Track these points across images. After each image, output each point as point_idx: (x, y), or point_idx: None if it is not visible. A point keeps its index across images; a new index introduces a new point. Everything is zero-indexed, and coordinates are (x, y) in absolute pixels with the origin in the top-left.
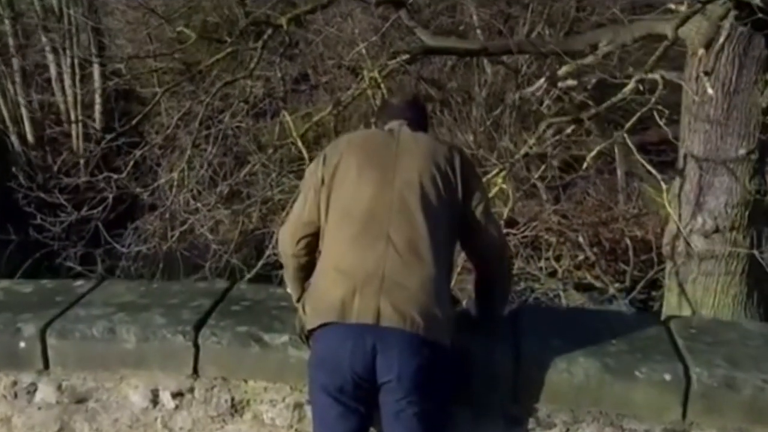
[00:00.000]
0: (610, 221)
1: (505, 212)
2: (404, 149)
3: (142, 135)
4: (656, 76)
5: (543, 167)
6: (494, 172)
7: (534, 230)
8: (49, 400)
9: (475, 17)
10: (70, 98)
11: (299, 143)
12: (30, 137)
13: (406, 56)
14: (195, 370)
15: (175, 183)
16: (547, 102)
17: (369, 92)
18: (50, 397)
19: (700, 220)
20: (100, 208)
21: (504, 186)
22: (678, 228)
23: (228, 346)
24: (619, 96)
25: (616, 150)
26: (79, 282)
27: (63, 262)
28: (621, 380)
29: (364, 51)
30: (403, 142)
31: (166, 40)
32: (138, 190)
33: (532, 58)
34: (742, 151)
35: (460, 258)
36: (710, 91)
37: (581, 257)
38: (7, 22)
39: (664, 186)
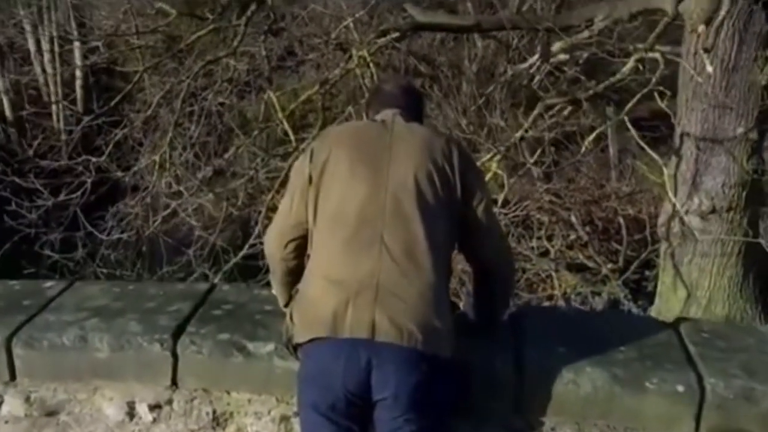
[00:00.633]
0: (602, 199)
1: (500, 198)
2: (398, 143)
3: (124, 114)
4: (656, 54)
5: (539, 151)
6: (488, 156)
7: (525, 209)
8: (17, 413)
9: None
10: (50, 75)
11: (285, 125)
12: (8, 115)
13: (395, 34)
14: (174, 381)
15: (157, 165)
16: (538, 77)
17: (357, 71)
18: (18, 410)
19: (696, 200)
20: (78, 193)
21: (499, 171)
22: (674, 208)
23: (209, 356)
24: (618, 76)
25: (608, 125)
26: (50, 283)
27: (40, 250)
28: (630, 392)
29: (351, 26)
30: (397, 134)
31: (149, 16)
32: (119, 174)
33: (524, 31)
34: (740, 130)
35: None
36: (709, 68)
37: (573, 237)
38: None
39: (662, 164)
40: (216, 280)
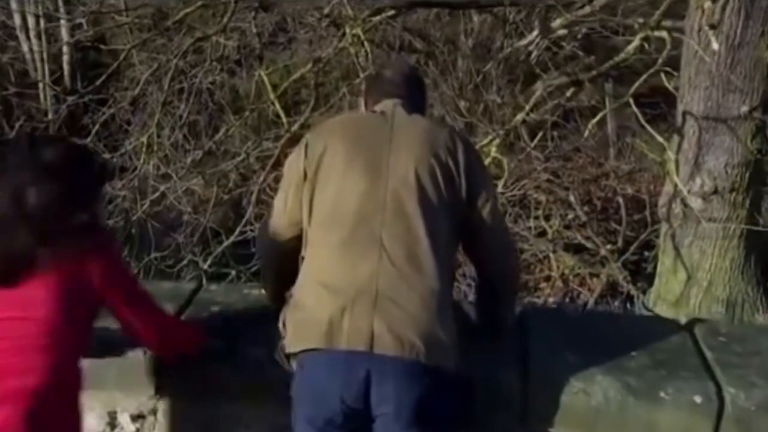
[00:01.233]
0: (600, 177)
1: (500, 185)
2: (399, 135)
3: (112, 93)
4: (662, 33)
5: (540, 135)
6: (487, 140)
7: (522, 188)
8: None
9: None
10: (36, 53)
11: (277, 105)
12: None
13: (390, 12)
14: (158, 390)
15: (145, 147)
16: (536, 53)
17: (351, 50)
18: None
19: (698, 180)
20: None
21: (498, 156)
22: (675, 189)
23: (195, 362)
24: (623, 55)
25: (606, 102)
26: None
27: None
28: (644, 403)
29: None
30: (398, 127)
31: None
32: (105, 156)
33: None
34: (744, 109)
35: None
36: (715, 45)
37: (571, 216)
38: None
39: (665, 144)
40: (206, 266)
